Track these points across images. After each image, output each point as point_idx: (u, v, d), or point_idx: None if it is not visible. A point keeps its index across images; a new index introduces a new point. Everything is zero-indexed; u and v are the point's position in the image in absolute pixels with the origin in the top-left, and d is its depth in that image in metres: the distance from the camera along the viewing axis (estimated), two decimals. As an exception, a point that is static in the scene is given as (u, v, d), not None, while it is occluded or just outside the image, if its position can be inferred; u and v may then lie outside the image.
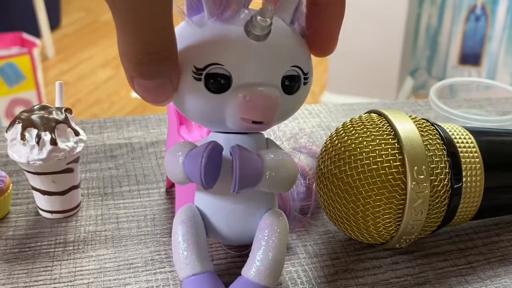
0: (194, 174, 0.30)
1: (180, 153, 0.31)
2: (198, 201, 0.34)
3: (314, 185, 0.40)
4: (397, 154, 0.34)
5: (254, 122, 0.29)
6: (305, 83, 0.31)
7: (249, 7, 0.30)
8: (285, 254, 0.33)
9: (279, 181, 0.31)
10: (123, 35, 0.26)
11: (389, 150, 0.34)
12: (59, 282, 0.36)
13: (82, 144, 0.41)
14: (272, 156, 0.31)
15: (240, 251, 0.38)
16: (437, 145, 0.36)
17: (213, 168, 0.31)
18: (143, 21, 0.25)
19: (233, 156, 0.30)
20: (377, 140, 0.35)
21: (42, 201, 0.42)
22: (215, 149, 0.30)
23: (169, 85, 0.29)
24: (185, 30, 0.29)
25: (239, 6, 0.29)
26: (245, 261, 0.33)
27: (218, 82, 0.29)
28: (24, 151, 0.39)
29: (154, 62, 0.27)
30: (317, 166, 0.38)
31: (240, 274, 0.32)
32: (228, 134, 0.32)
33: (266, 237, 0.32)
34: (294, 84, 0.30)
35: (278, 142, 0.42)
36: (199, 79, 0.29)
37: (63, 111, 0.41)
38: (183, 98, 0.30)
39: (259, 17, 0.27)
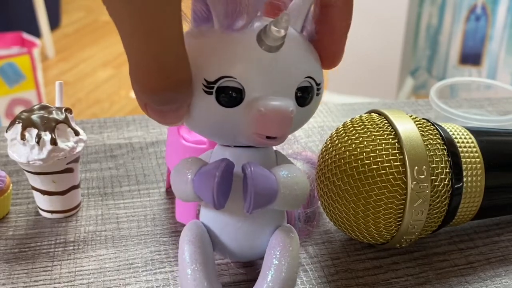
0: (205, 194, 0.29)
1: (189, 171, 0.30)
2: (204, 217, 0.33)
3: (315, 192, 0.40)
4: (397, 154, 0.34)
5: (267, 137, 0.28)
6: (317, 94, 0.30)
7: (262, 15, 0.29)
8: (297, 272, 0.32)
9: (293, 200, 0.30)
10: (135, 60, 0.25)
11: (390, 150, 0.34)
12: (59, 282, 0.36)
13: (82, 144, 0.41)
14: (286, 173, 0.30)
15: (247, 267, 0.37)
16: (438, 145, 0.36)
17: (225, 188, 0.29)
18: (155, 42, 0.24)
19: (246, 175, 0.29)
20: (378, 140, 0.35)
21: (42, 201, 0.42)
22: (227, 167, 0.29)
23: (185, 107, 0.27)
24: (191, 40, 0.27)
25: (251, 16, 0.27)
26: (253, 274, 0.32)
27: (229, 96, 0.27)
28: (24, 151, 0.39)
29: (171, 88, 0.25)
30: (317, 166, 0.38)
31: None
32: (236, 148, 0.31)
33: (278, 256, 0.31)
34: (307, 95, 0.29)
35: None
36: (210, 93, 0.27)
37: (63, 111, 0.41)
38: (191, 112, 0.28)
39: (273, 27, 0.26)
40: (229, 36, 0.27)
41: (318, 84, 0.29)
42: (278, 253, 0.31)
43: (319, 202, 0.40)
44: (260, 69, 0.27)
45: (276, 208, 0.31)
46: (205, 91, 0.27)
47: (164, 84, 0.25)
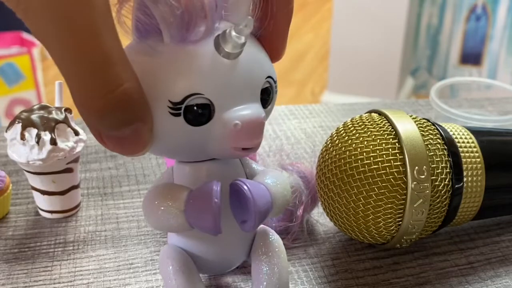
0: (202, 222, 0.27)
1: (175, 202, 0.28)
2: (181, 243, 0.31)
3: (300, 209, 0.39)
4: (397, 154, 0.34)
5: (243, 148, 0.26)
6: (276, 92, 0.29)
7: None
8: (288, 271, 0.31)
9: (283, 206, 0.30)
10: (71, 79, 0.22)
11: (390, 150, 0.34)
12: (59, 282, 0.36)
13: (82, 144, 0.41)
14: (274, 181, 0.30)
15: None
16: (438, 145, 0.36)
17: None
18: (89, 54, 0.21)
19: (244, 194, 0.28)
20: (378, 140, 0.35)
21: (42, 201, 0.42)
22: (220, 189, 0.27)
23: (145, 129, 0.24)
24: (142, 57, 0.25)
25: (211, 27, 0.25)
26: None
27: (197, 113, 0.25)
28: (24, 151, 0.39)
29: (119, 103, 0.22)
30: (317, 166, 0.38)
31: None
32: (197, 163, 0.29)
33: (266, 262, 0.30)
34: (267, 97, 0.28)
35: (260, 158, 0.41)
36: (178, 114, 0.25)
37: (62, 110, 0.41)
38: (157, 138, 0.26)
39: (234, 33, 0.24)
40: (185, 48, 0.25)
41: (275, 82, 0.28)
42: (265, 259, 0.31)
43: (304, 218, 0.39)
44: (225, 79, 0.26)
45: (268, 217, 0.30)
46: (172, 113, 0.25)
47: (110, 99, 0.22)
